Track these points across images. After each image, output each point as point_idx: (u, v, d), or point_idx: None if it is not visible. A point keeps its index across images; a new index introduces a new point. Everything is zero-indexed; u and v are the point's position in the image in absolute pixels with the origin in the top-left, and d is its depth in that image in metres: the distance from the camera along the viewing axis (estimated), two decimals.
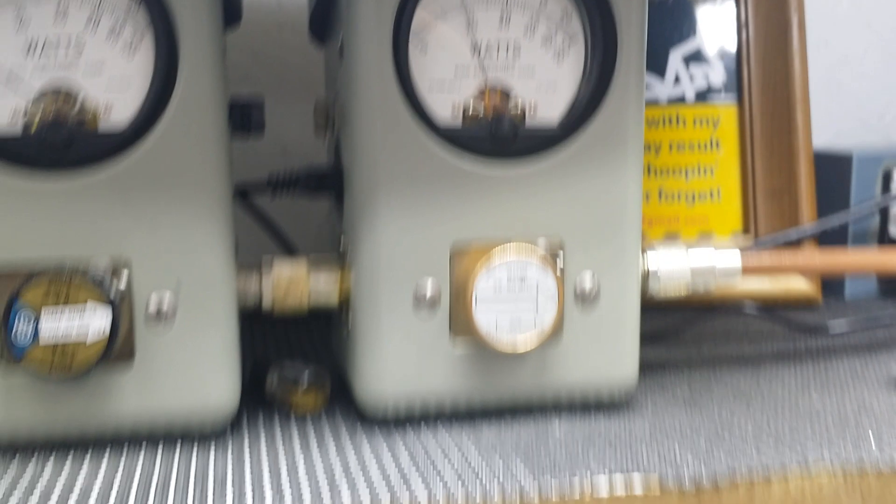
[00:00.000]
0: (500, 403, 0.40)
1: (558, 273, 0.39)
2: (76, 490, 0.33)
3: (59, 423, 0.36)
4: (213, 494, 0.33)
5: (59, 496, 0.33)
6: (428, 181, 0.38)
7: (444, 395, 0.39)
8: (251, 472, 0.35)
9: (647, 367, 0.47)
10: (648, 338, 0.52)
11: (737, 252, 0.45)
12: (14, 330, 0.34)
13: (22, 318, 0.34)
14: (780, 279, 0.63)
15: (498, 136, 0.38)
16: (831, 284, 0.66)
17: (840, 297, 0.66)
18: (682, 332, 0.56)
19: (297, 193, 0.44)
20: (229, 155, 0.38)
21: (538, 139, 0.39)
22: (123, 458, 0.36)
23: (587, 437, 0.38)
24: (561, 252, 0.40)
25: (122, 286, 0.36)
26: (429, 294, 0.39)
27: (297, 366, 0.43)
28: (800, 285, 0.63)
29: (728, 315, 0.59)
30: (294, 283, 0.40)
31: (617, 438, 0.38)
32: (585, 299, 0.40)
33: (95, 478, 0.34)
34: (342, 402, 0.42)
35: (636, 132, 0.40)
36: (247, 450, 0.37)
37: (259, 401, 0.43)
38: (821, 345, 0.53)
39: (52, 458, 0.36)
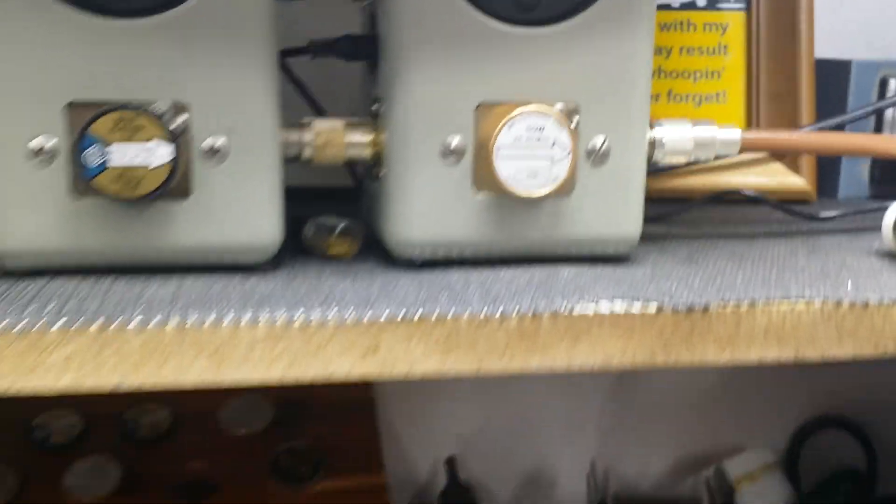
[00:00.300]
0: (516, 250, 0.45)
1: (573, 130, 0.43)
2: (143, 299, 0.38)
3: (123, 248, 0.41)
4: (269, 304, 0.37)
5: (128, 303, 0.37)
6: (457, 42, 0.42)
7: (466, 241, 0.44)
8: (298, 291, 0.39)
9: (649, 239, 0.51)
10: (650, 219, 0.56)
11: (738, 129, 0.49)
12: (85, 156, 0.39)
13: (93, 146, 0.39)
14: (777, 175, 0.67)
15: (522, 0, 0.42)
16: (825, 185, 0.70)
17: (833, 196, 0.70)
18: (682, 215, 0.60)
19: (334, 57, 0.48)
20: (276, 12, 0.42)
21: (559, 5, 0.42)
22: (183, 280, 0.41)
23: (594, 279, 0.42)
24: (576, 115, 0.44)
25: (182, 126, 0.40)
26: (455, 146, 0.43)
27: (332, 217, 0.47)
28: (795, 181, 0.67)
29: (726, 205, 0.63)
30: (333, 135, 0.44)
31: (620, 279, 0.42)
32: (596, 158, 0.44)
33: (158, 292, 0.39)
34: (373, 253, 0.46)
35: (649, 7, 0.44)
36: (290, 278, 0.42)
37: (297, 251, 0.47)
38: (811, 227, 0.57)
39: (119, 279, 0.41)
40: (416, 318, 0.37)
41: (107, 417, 0.67)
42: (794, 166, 0.67)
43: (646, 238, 0.47)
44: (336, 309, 0.37)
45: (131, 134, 0.39)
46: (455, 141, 0.43)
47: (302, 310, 0.37)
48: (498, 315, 0.37)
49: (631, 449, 0.83)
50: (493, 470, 0.80)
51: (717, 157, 0.66)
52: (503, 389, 0.81)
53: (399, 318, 0.36)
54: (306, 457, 0.65)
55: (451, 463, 0.76)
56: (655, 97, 0.69)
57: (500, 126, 0.42)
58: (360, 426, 0.70)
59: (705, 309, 0.38)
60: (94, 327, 0.34)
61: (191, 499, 0.61)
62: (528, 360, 0.38)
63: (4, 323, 0.34)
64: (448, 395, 0.80)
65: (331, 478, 0.64)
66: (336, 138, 0.45)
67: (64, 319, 0.35)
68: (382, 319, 0.36)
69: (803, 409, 0.85)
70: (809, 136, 0.51)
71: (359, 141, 0.45)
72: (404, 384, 0.78)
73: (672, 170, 0.65)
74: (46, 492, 0.61)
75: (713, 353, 0.39)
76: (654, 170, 0.62)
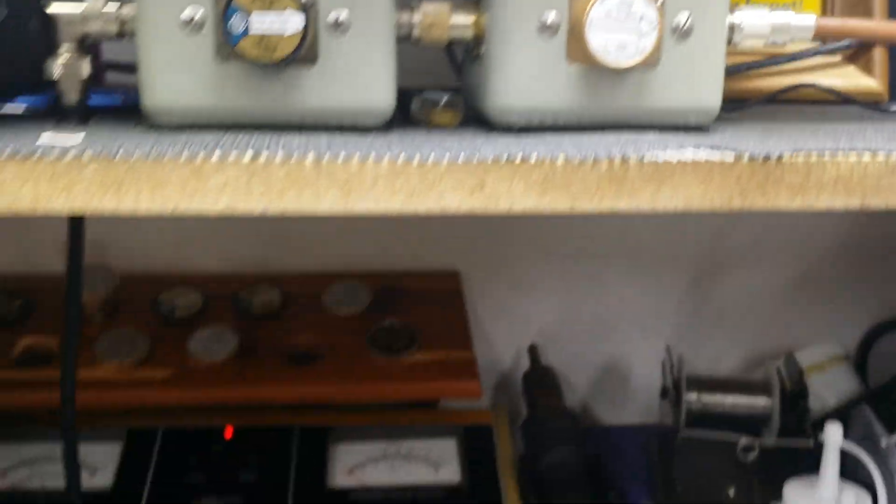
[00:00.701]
0: (605, 118, 0.49)
1: (659, 7, 0.47)
2: (281, 144, 0.43)
3: (259, 108, 0.47)
4: (390, 148, 0.43)
5: (269, 146, 0.43)
6: None
7: (560, 108, 0.49)
8: (412, 143, 0.45)
9: (727, 120, 0.55)
10: (727, 110, 0.60)
11: (813, 14, 0.53)
12: (230, 24, 0.44)
13: (236, 15, 0.44)
14: (850, 77, 0.69)
15: None
16: None
17: None
18: (757, 108, 0.63)
19: None
20: None
21: None
22: (311, 136, 0.46)
23: (676, 142, 0.47)
24: None
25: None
26: (550, 22, 0.47)
27: (436, 92, 0.52)
28: (868, 83, 0.69)
29: (799, 104, 0.67)
30: (438, 16, 0.49)
31: (701, 140, 0.47)
32: (680, 34, 0.48)
33: (292, 142, 0.44)
34: (474, 127, 0.51)
35: None
36: (403, 136, 0.47)
37: (404, 123, 0.52)
38: (881, 116, 0.60)
39: (256, 133, 0.46)
40: (518, 160, 0.42)
41: (223, 297, 0.74)
42: (867, 69, 0.70)
43: (724, 119, 0.51)
44: (447, 152, 0.42)
45: (269, 5, 0.45)
46: (551, 17, 0.47)
47: (418, 151, 0.42)
48: (591, 160, 0.42)
49: (705, 343, 0.87)
50: (572, 359, 0.86)
51: (793, 59, 0.70)
52: (583, 284, 0.85)
53: (503, 161, 0.42)
54: (401, 333, 0.71)
55: (533, 350, 0.81)
56: (734, 5, 0.73)
57: (592, 2, 0.47)
58: (450, 310, 0.76)
59: (779, 158, 0.42)
60: (245, 159, 0.40)
61: (299, 365, 0.68)
62: (617, 202, 0.42)
63: (170, 153, 0.40)
64: (530, 289, 0.85)
65: (424, 351, 0.70)
66: (441, 19, 0.50)
67: (219, 152, 0.41)
68: (488, 161, 0.41)
69: (873, 312, 0.89)
70: (882, 24, 0.54)
71: (462, 23, 0.50)
72: (489, 278, 0.83)
73: (748, 69, 0.68)
74: (172, 354, 0.68)
75: (785, 199, 0.43)
76: (731, 71, 0.66)
